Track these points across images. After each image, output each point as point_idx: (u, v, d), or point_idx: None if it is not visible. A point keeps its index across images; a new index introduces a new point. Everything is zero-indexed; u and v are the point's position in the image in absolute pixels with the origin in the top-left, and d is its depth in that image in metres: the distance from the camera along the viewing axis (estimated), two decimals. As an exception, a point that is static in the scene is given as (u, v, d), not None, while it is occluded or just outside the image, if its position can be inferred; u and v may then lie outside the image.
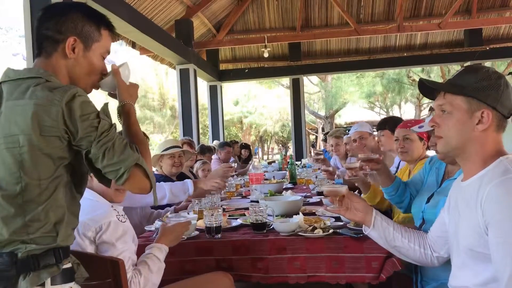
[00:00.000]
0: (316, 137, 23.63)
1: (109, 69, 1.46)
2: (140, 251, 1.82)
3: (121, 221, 1.68)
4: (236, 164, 4.72)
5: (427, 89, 1.44)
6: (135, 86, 1.50)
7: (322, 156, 5.01)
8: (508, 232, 1.18)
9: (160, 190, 2.70)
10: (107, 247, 1.63)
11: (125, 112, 1.43)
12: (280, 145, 29.13)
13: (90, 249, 1.63)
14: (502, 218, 1.19)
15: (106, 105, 1.32)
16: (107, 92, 1.51)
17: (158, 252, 1.79)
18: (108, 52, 1.43)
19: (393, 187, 2.27)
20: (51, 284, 1.22)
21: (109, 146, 1.23)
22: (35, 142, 1.18)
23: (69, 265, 1.28)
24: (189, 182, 2.83)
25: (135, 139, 1.37)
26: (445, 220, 1.54)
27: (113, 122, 1.30)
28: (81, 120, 1.20)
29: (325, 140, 7.09)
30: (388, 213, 2.89)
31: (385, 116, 4.18)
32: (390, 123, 3.24)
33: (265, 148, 30.41)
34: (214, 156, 6.50)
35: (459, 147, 1.36)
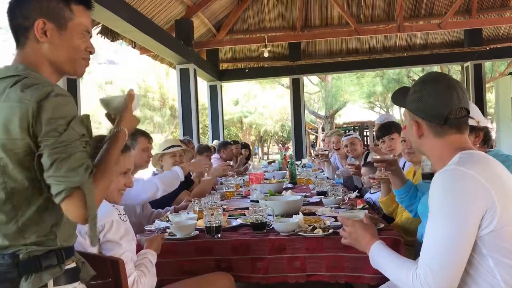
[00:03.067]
0: (316, 137, 23.63)
1: (121, 92, 1.38)
2: (138, 251, 1.83)
3: (123, 220, 1.70)
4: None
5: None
6: (137, 119, 1.43)
7: (326, 152, 5.02)
8: (430, 219, 1.27)
9: (151, 185, 2.70)
10: (112, 245, 1.64)
11: (116, 138, 1.33)
12: (280, 144, 29.10)
13: (92, 248, 1.63)
14: (430, 205, 1.29)
15: (87, 117, 1.21)
16: (105, 112, 1.42)
17: (152, 258, 1.83)
18: (89, 30, 1.31)
19: (405, 189, 2.28)
20: (54, 285, 1.18)
21: (61, 158, 1.09)
22: (10, 146, 1.12)
23: (73, 264, 1.25)
24: (177, 169, 2.89)
25: (103, 164, 1.23)
26: None
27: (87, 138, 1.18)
28: (47, 123, 1.10)
29: (323, 140, 7.11)
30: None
31: (380, 122, 3.97)
32: (396, 126, 3.20)
33: (265, 149, 30.40)
34: (214, 155, 6.50)
35: (416, 149, 1.51)
